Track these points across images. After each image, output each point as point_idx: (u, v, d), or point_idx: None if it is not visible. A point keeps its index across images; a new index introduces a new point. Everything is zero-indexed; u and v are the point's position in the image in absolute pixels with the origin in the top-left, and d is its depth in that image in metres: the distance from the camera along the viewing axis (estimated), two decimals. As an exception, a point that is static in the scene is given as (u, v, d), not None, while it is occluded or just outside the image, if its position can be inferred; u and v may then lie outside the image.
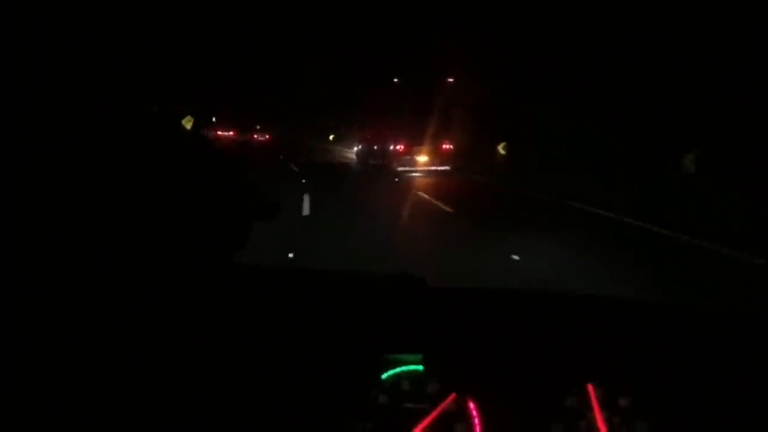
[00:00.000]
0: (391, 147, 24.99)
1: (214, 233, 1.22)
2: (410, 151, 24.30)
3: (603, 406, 1.18)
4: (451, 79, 25.68)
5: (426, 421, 1.15)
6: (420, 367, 1.23)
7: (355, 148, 31.56)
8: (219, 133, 67.06)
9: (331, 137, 52.13)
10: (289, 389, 1.15)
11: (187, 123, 19.17)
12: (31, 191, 0.95)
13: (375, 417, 1.15)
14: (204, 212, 1.19)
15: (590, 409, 1.18)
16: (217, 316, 1.23)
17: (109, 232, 1.02)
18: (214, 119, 68.98)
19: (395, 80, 25.52)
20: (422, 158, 24.03)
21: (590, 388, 1.20)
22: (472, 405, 1.16)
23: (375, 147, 27.06)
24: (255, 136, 71.15)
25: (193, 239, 1.18)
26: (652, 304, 1.79)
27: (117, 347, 1.02)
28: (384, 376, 1.21)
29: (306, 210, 12.03)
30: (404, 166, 24.03)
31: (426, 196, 15.48)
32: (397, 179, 21.10)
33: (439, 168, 23.86)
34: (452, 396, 1.17)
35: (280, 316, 1.32)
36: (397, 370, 1.22)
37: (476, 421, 1.15)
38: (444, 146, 24.47)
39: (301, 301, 1.42)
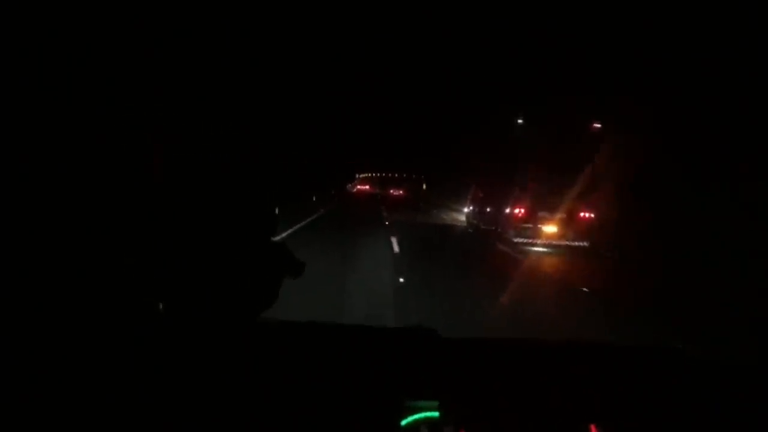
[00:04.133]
0: (507, 210, 18.48)
1: (241, 291, 1.37)
2: (533, 217, 17.69)
3: None
4: (598, 125, 18.93)
5: None
6: (436, 414, 1.34)
7: (465, 209, 25.32)
8: (359, 187, 76.32)
9: (423, 186, 47.02)
10: None
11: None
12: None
13: None
14: (231, 270, 1.34)
15: None
16: (243, 371, 1.33)
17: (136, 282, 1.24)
18: (358, 176, 75.90)
19: (519, 121, 18.97)
20: (549, 228, 17.35)
21: (593, 428, 1.32)
22: None
23: (488, 209, 20.65)
24: (391, 191, 73.16)
25: (220, 297, 1.34)
26: (655, 349, 1.84)
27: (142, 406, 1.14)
28: (404, 422, 1.32)
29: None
30: (523, 236, 17.45)
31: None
32: (515, 253, 14.56)
33: (573, 243, 17.05)
34: None
35: (305, 368, 1.41)
36: (416, 416, 1.33)
37: None
38: (582, 214, 17.63)
39: (324, 354, 1.50)
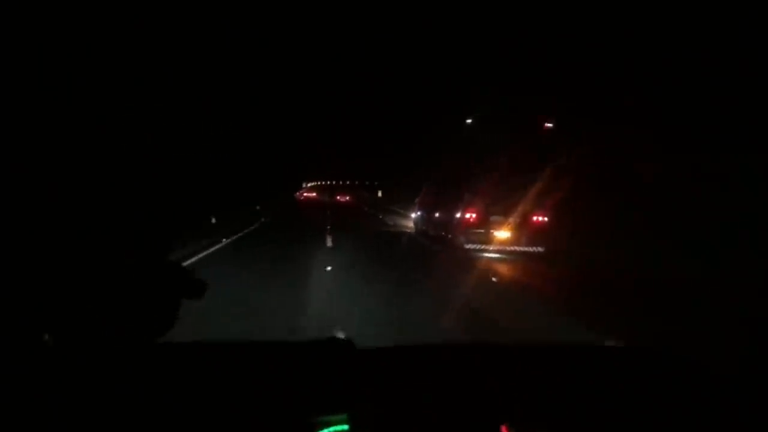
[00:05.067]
0: (458, 214, 17.25)
1: (133, 314, 1.31)
2: (485, 222, 16.51)
3: None
4: (550, 124, 17.92)
5: None
6: (345, 427, 1.27)
7: (413, 214, 24.02)
8: (305, 194, 78.28)
9: (379, 193, 45.48)
10: None
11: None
12: None
13: None
14: (125, 293, 1.28)
15: None
16: (139, 397, 1.26)
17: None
18: (305, 185, 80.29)
19: (468, 121, 17.80)
20: (502, 233, 16.20)
21: (504, 429, 1.28)
22: None
23: (436, 214, 19.41)
24: (338, 197, 74.65)
25: (111, 322, 1.28)
26: (566, 347, 1.87)
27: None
28: None
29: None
30: (475, 242, 16.25)
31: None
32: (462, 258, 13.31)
33: (527, 249, 15.94)
34: None
35: (206, 390, 1.35)
36: (324, 431, 1.25)
37: None
38: (536, 218, 16.52)
39: (228, 373, 1.46)
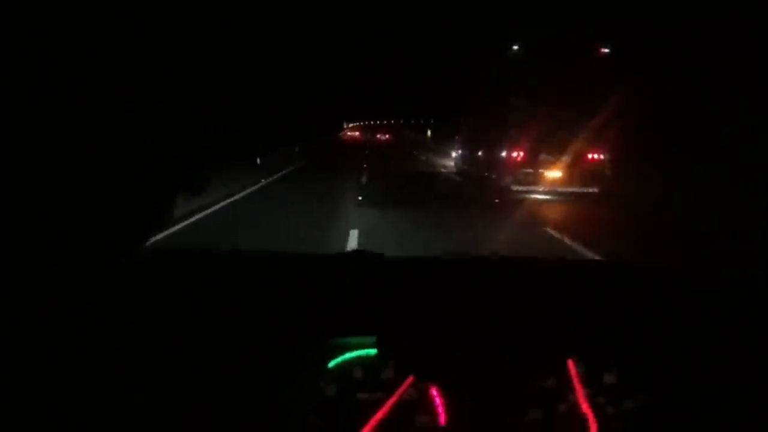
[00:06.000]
0: (504, 153, 15.70)
1: (129, 209, 1.12)
2: (534, 162, 14.95)
3: (586, 384, 1.10)
4: (606, 49, 15.97)
5: (381, 413, 1.05)
6: (373, 351, 1.13)
7: (453, 153, 22.48)
8: (349, 133, 78.02)
9: (428, 133, 42.98)
10: (225, 382, 1.05)
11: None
12: None
13: (324, 411, 1.06)
14: (116, 186, 1.08)
15: (571, 388, 1.09)
16: (129, 308, 1.14)
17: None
18: (347, 125, 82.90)
19: (514, 47, 15.98)
20: (553, 173, 14.67)
21: (570, 364, 1.12)
22: (434, 391, 1.08)
23: (479, 153, 17.89)
24: (378, 135, 75.63)
25: (93, 219, 1.07)
26: (635, 268, 1.60)
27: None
28: (331, 364, 1.12)
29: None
30: (522, 183, 14.80)
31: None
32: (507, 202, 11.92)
33: (581, 190, 14.42)
34: (410, 381, 1.09)
35: (205, 304, 1.21)
36: (347, 356, 1.13)
37: (440, 409, 1.06)
38: (590, 155, 14.87)
39: (239, 284, 1.31)
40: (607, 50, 15.63)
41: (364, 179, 17.41)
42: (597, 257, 6.94)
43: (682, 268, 1.58)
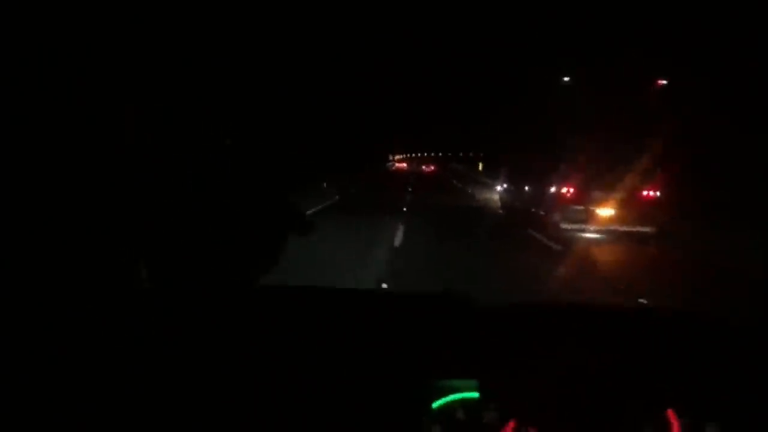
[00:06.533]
0: (553, 189, 14.96)
1: (236, 250, 1.23)
2: (585, 198, 14.17)
3: None
4: (664, 81, 15.17)
5: None
6: (475, 395, 1.16)
7: (498, 187, 21.74)
8: (396, 165, 79.42)
9: (480, 167, 41.96)
10: (330, 421, 1.09)
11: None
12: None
13: None
14: (223, 225, 1.20)
15: None
16: (240, 345, 1.18)
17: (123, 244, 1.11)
18: (392, 157, 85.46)
19: (565, 79, 15.32)
20: (606, 211, 13.85)
21: (671, 414, 1.12)
22: None
23: (526, 187, 17.17)
24: (423, 167, 76.78)
25: (212, 258, 1.20)
26: (737, 322, 1.53)
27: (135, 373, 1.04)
28: (435, 404, 1.15)
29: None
30: (573, 221, 14.01)
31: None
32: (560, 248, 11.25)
33: (635, 229, 13.55)
34: (512, 424, 1.12)
35: (313, 342, 1.22)
36: (450, 398, 1.15)
37: None
38: (646, 193, 14.03)
39: (337, 324, 1.31)
40: (664, 82, 14.78)
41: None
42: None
43: None
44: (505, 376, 1.16)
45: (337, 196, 22.51)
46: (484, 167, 48.13)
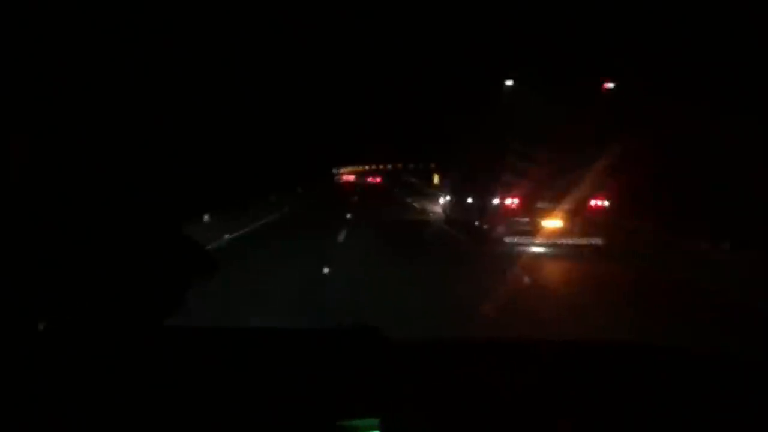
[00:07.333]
0: (496, 200, 13.94)
1: (145, 292, 1.19)
2: (529, 209, 13.21)
3: None
4: (611, 84, 14.34)
5: None
6: None
7: (441, 200, 20.73)
8: (344, 177, 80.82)
9: (435, 179, 40.62)
10: None
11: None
12: None
13: None
14: (121, 271, 1.16)
15: None
16: (147, 382, 1.16)
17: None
18: (340, 170, 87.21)
19: (507, 83, 14.34)
20: (551, 222, 12.92)
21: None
22: None
23: (469, 199, 16.15)
24: (368, 179, 77.12)
25: (111, 304, 1.16)
26: (614, 345, 1.62)
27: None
28: None
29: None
30: (517, 234, 13.07)
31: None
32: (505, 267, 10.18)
33: (582, 242, 12.70)
34: None
35: (214, 383, 1.21)
36: None
37: None
38: (594, 202, 13.15)
39: (237, 364, 1.30)
40: (611, 85, 13.96)
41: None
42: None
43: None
44: (410, 414, 1.12)
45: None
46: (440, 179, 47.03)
